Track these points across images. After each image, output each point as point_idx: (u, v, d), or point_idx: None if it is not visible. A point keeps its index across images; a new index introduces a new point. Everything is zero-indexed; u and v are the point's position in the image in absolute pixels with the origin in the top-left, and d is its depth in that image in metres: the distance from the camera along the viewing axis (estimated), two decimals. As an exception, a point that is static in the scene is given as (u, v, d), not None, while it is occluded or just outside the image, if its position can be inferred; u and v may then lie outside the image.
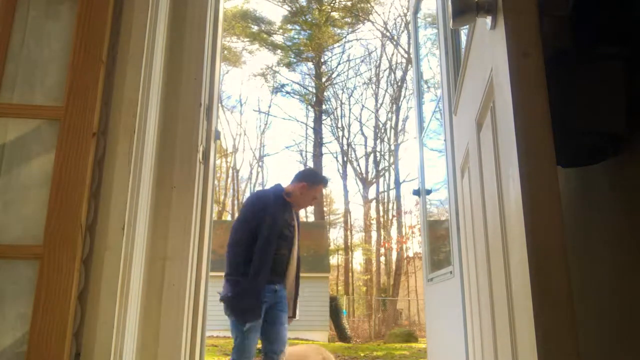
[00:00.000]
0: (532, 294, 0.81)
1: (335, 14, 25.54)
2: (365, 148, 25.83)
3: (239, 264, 3.10)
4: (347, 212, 26.05)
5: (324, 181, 3.56)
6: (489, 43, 1.08)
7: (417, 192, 3.01)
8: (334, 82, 26.81)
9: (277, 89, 27.23)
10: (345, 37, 26.07)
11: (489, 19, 1.02)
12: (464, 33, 2.16)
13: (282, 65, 26.65)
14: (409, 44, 21.82)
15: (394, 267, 23.53)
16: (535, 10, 0.91)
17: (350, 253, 25.53)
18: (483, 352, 1.46)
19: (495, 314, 1.22)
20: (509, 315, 1.03)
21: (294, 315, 3.35)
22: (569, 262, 0.84)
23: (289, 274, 3.32)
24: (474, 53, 1.37)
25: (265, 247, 3.13)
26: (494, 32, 1.02)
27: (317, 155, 25.52)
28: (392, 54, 25.77)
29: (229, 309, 3.10)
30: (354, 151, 26.20)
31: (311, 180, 3.44)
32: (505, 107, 0.95)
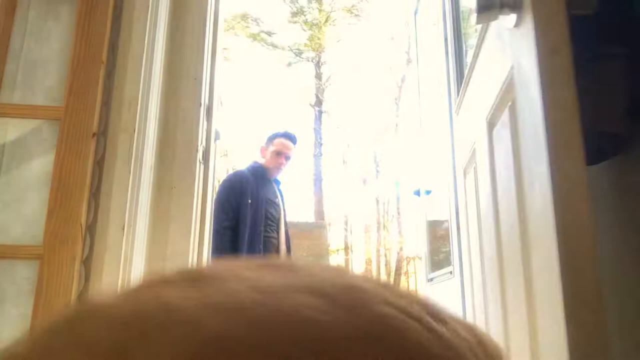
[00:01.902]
0: (563, 295, 0.80)
1: (335, 14, 25.54)
2: (366, 148, 25.83)
3: (226, 252, 2.79)
4: (347, 212, 26.04)
5: (280, 134, 3.22)
6: (510, 41, 1.08)
7: (417, 192, 3.01)
8: (334, 82, 26.81)
9: (277, 89, 27.20)
10: (346, 37, 26.07)
11: (512, 16, 1.02)
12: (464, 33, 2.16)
13: (282, 65, 26.64)
14: (409, 44, 21.80)
15: (393, 267, 23.52)
16: (564, 8, 0.91)
17: (350, 253, 25.53)
18: None
19: (509, 315, 1.20)
20: (527, 315, 1.02)
21: None
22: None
23: None
24: (486, 52, 1.36)
25: (252, 230, 2.88)
26: (517, 30, 1.01)
27: (317, 155, 25.51)
28: (392, 54, 25.75)
29: None
30: (354, 151, 26.21)
31: (267, 139, 3.19)
32: (531, 105, 0.94)
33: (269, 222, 3.01)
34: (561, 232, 0.83)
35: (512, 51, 1.07)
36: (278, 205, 3.11)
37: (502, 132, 1.20)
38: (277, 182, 3.25)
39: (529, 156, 0.99)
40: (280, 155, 3.13)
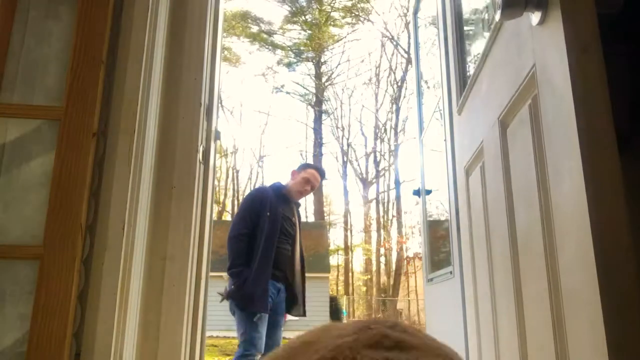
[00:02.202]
0: (600, 292, 0.80)
1: (335, 14, 25.55)
2: (365, 148, 25.84)
3: (240, 256, 3.14)
4: (347, 212, 26.05)
5: (313, 166, 3.63)
6: (533, 39, 1.07)
7: (417, 192, 3.01)
8: (334, 82, 26.82)
9: (277, 89, 27.25)
10: (345, 37, 26.08)
11: (536, 14, 1.01)
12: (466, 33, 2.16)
13: (282, 65, 26.66)
14: (409, 44, 21.82)
15: (394, 267, 23.53)
16: (593, 6, 0.91)
17: (350, 253, 25.53)
18: (498, 353, 1.44)
19: (526, 313, 1.19)
20: (552, 313, 1.01)
21: (304, 314, 3.39)
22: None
23: (295, 272, 3.34)
24: (498, 51, 1.36)
25: (268, 240, 3.16)
26: (541, 28, 1.01)
27: (317, 155, 25.51)
28: (392, 54, 25.77)
29: (234, 300, 3.09)
30: (354, 151, 26.21)
31: (300, 166, 3.56)
32: (560, 102, 0.94)
33: (284, 236, 3.31)
34: (597, 228, 0.82)
35: (534, 49, 1.06)
36: (294, 224, 3.43)
37: (520, 130, 1.20)
38: (297, 205, 3.58)
39: (557, 153, 0.98)
40: (308, 183, 3.46)
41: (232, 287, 3.09)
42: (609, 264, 0.81)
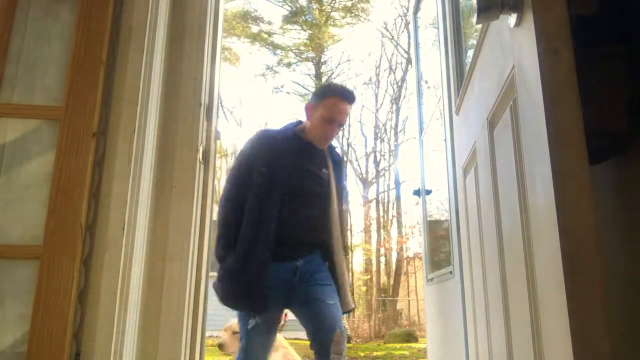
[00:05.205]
0: (566, 293, 0.81)
1: (335, 14, 25.54)
2: (365, 148, 25.83)
3: (228, 235, 2.11)
4: (347, 212, 26.00)
5: (334, 91, 2.28)
6: (511, 41, 1.08)
7: (417, 192, 3.01)
8: (334, 82, 26.81)
9: (277, 89, 27.25)
10: (345, 37, 26.11)
11: (513, 16, 1.02)
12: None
13: (282, 65, 26.66)
14: (409, 44, 21.81)
15: (394, 267, 23.52)
16: (565, 8, 0.91)
17: (350, 253, 25.51)
18: (491, 352, 1.45)
19: (511, 313, 1.20)
20: (530, 314, 1.02)
21: (349, 305, 2.19)
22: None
23: (332, 244, 2.18)
24: (486, 52, 1.36)
25: (259, 203, 2.09)
26: (518, 30, 1.02)
27: (317, 155, 25.43)
28: (392, 54, 25.77)
29: (218, 297, 2.11)
30: (354, 151, 26.20)
31: (318, 94, 2.30)
32: (533, 105, 0.95)
33: (306, 199, 2.19)
34: (564, 232, 0.83)
35: (513, 51, 1.07)
36: (322, 179, 2.25)
37: (504, 132, 1.20)
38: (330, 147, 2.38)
39: (531, 156, 0.99)
40: (333, 123, 2.22)
41: (215, 279, 2.13)
42: (576, 269, 0.82)
